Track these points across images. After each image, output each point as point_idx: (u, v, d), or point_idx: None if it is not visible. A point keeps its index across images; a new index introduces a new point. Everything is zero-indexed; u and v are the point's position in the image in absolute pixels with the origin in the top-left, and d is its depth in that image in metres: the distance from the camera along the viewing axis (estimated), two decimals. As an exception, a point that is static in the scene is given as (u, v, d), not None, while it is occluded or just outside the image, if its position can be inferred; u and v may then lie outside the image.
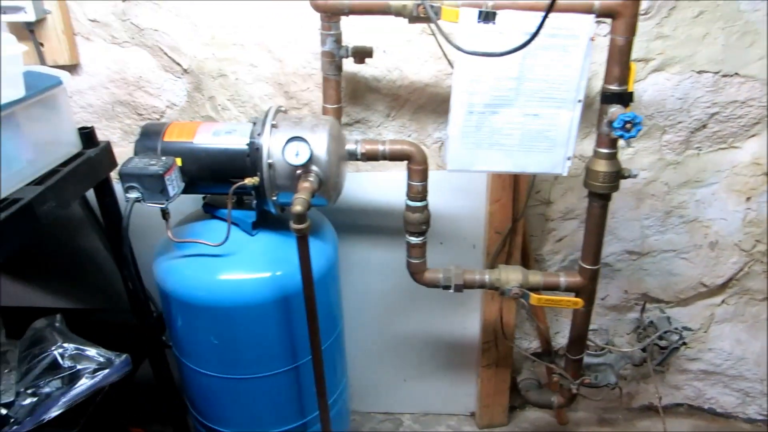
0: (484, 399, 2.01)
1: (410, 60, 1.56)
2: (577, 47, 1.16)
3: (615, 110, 1.23)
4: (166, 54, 1.62)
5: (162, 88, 1.67)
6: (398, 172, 1.67)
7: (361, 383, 1.99)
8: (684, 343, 1.86)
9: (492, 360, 1.91)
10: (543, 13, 1.03)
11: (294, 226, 1.15)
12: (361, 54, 1.44)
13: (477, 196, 1.70)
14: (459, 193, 1.66)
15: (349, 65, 1.51)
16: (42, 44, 1.58)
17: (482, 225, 1.74)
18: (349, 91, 1.60)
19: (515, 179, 1.62)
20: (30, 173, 1.26)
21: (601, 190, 1.35)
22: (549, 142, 1.28)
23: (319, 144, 1.23)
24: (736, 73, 1.56)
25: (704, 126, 1.63)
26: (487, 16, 1.13)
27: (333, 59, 1.40)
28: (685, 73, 1.55)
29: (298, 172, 1.24)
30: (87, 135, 1.40)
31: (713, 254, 1.79)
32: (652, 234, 1.77)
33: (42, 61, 1.59)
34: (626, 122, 1.17)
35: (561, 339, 1.97)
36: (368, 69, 1.57)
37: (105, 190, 1.48)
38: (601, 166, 1.32)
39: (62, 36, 1.58)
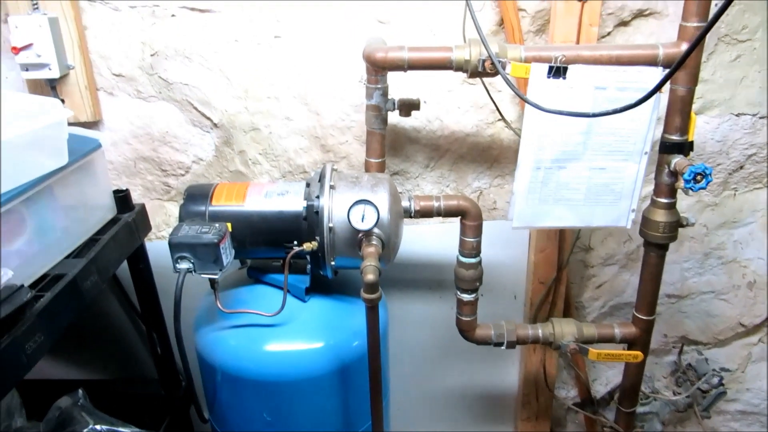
0: (522, 452, 1.94)
1: (451, 110, 1.53)
2: (646, 101, 1.14)
3: (680, 161, 1.22)
4: (195, 108, 1.55)
5: (189, 143, 1.60)
6: (435, 226, 1.63)
7: (395, 440, 1.91)
8: (722, 385, 1.83)
9: (532, 412, 1.85)
10: (614, 67, 1.02)
11: (366, 296, 1.09)
12: (408, 107, 1.40)
13: (519, 246, 1.66)
14: (500, 244, 1.62)
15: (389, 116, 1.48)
16: (63, 100, 1.50)
17: (524, 275, 1.70)
18: (388, 143, 1.55)
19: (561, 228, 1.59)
20: (67, 244, 1.18)
21: (661, 240, 1.33)
22: (614, 195, 1.26)
23: (381, 205, 1.17)
24: (773, 114, 1.58)
25: (741, 167, 1.63)
26: (557, 71, 1.11)
27: (379, 113, 1.36)
28: (724, 115, 1.56)
29: (360, 235, 1.18)
30: (122, 198, 1.32)
31: (751, 294, 1.78)
32: (691, 276, 1.76)
33: (63, 120, 1.51)
34: (697, 174, 1.15)
35: (599, 386, 1.92)
36: (408, 119, 1.53)
37: (139, 256, 1.40)
38: (661, 216, 1.30)
39: (85, 92, 1.51)
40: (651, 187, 1.32)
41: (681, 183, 1.21)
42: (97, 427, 1.34)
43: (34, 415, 1.37)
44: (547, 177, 1.23)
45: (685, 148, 1.25)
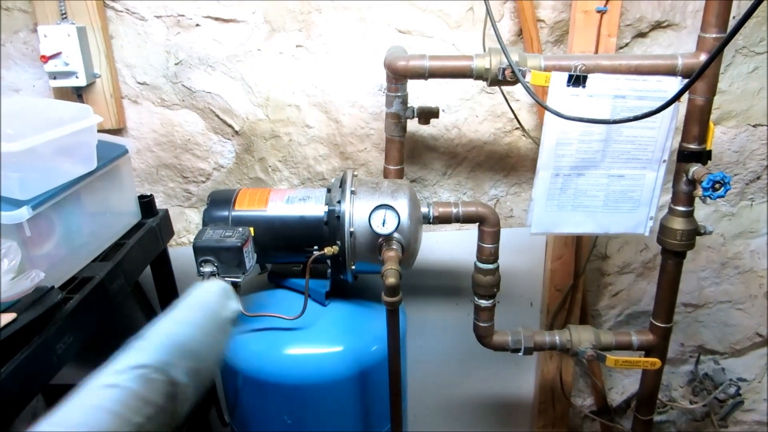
0: (538, 460, 1.94)
1: (469, 118, 1.55)
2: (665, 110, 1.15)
3: (698, 169, 1.23)
4: (217, 116, 1.58)
5: (210, 150, 1.63)
6: (452, 233, 1.64)
7: (410, 447, 1.91)
8: (739, 395, 1.83)
9: (549, 420, 1.85)
10: (634, 76, 1.03)
11: (387, 299, 1.10)
12: (427, 115, 1.42)
13: (536, 254, 1.67)
14: (516, 251, 1.63)
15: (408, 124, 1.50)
16: (89, 108, 1.53)
17: (540, 282, 1.71)
18: (406, 150, 1.57)
19: (578, 236, 1.60)
20: (94, 248, 1.20)
21: (678, 248, 1.33)
22: (632, 202, 1.27)
23: (401, 210, 1.19)
24: (789, 126, 1.58)
25: (758, 177, 1.63)
26: (577, 80, 1.12)
27: (399, 120, 1.38)
28: (741, 126, 1.57)
29: (380, 240, 1.20)
30: (147, 204, 1.35)
31: (768, 304, 1.78)
32: (707, 285, 1.76)
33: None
34: (715, 182, 1.16)
35: (615, 395, 1.92)
36: (426, 128, 1.55)
37: (162, 261, 1.42)
38: (679, 224, 1.31)
39: (110, 99, 1.54)
40: (668, 197, 1.33)
41: (699, 191, 1.22)
42: (120, 428, 1.36)
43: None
44: (565, 184, 1.24)
45: (703, 157, 1.26)
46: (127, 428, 0.62)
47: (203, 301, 0.92)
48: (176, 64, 1.53)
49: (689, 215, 1.31)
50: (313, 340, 1.26)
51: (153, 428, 0.66)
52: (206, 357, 0.81)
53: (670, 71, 1.18)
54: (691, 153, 1.25)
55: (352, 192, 1.23)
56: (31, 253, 1.01)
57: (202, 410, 1.56)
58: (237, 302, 0.98)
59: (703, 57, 1.17)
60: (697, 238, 1.34)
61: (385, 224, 1.16)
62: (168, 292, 1.46)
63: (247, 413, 1.35)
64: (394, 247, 1.18)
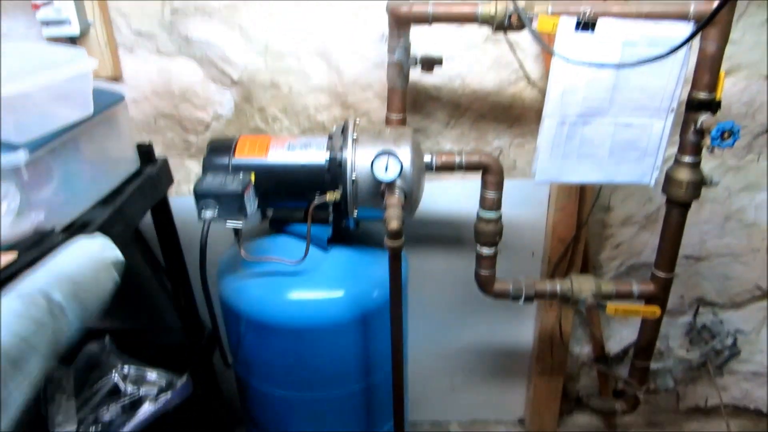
0: (535, 406, 1.98)
1: (473, 68, 1.52)
2: (675, 56, 1.12)
3: (707, 119, 1.20)
4: (215, 65, 1.55)
5: (209, 99, 1.60)
6: (454, 181, 1.63)
7: (410, 392, 1.95)
8: (736, 346, 1.85)
9: (546, 368, 1.88)
10: (644, 21, 1.00)
11: (389, 243, 1.10)
12: (430, 63, 1.39)
13: (538, 205, 1.66)
14: (519, 202, 1.62)
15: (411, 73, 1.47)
16: (84, 54, 1.50)
17: (542, 233, 1.70)
18: (409, 100, 1.55)
19: (581, 187, 1.58)
20: (93, 194, 1.19)
21: (684, 198, 1.32)
22: (639, 152, 1.25)
23: (404, 157, 1.18)
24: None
25: (766, 131, 1.61)
26: (585, 25, 1.09)
27: (401, 69, 1.35)
28: (752, 78, 1.53)
29: (382, 187, 1.19)
30: (145, 152, 1.34)
31: (770, 257, 1.78)
32: (710, 239, 1.75)
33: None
34: (724, 131, 1.15)
35: (613, 344, 1.94)
36: (429, 77, 1.52)
37: (162, 209, 1.41)
38: (685, 175, 1.29)
39: (105, 49, 1.51)
40: (673, 150, 1.31)
41: (707, 141, 1.21)
42: (126, 367, 1.39)
43: (63, 361, 1.42)
44: (571, 132, 1.23)
45: (712, 106, 1.23)
46: (10, 340, 0.69)
47: (81, 245, 0.93)
48: (172, 12, 1.49)
49: (696, 166, 1.29)
50: (315, 285, 1.27)
51: (39, 345, 0.73)
52: (86, 286, 0.86)
53: (682, 17, 1.14)
54: (701, 102, 1.22)
55: (354, 139, 1.22)
56: (30, 198, 1.00)
57: (203, 354, 1.59)
58: (117, 251, 0.97)
59: (716, 3, 1.14)
60: (702, 191, 1.33)
61: (387, 170, 1.16)
62: (169, 240, 1.46)
63: (250, 356, 1.37)
64: (397, 193, 1.18)
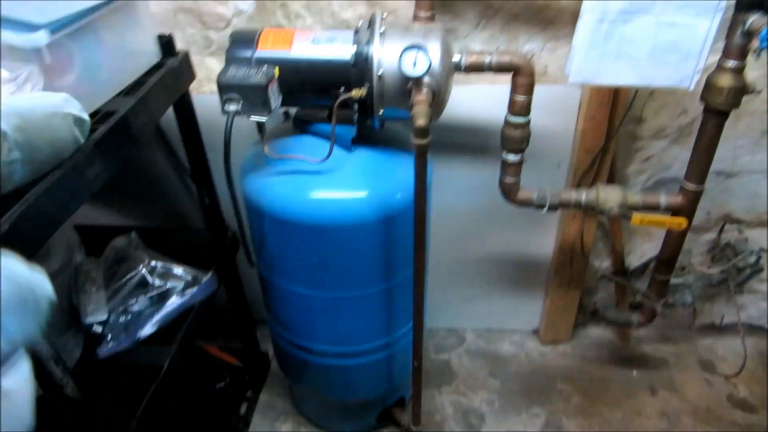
0: (551, 316, 2.01)
1: (508, -39, 1.43)
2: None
3: (757, 19, 1.13)
4: (237, -47, 1.48)
5: (231, -7, 1.54)
6: (482, 86, 1.58)
7: (428, 300, 1.98)
8: (758, 264, 1.84)
9: (564, 280, 1.90)
10: None
11: (416, 141, 1.08)
12: (464, -47, 1.31)
13: (568, 113, 1.61)
14: (548, 110, 1.57)
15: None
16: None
17: (569, 143, 1.66)
18: (438, -3, 1.48)
19: (614, 94, 1.53)
20: (115, 84, 1.18)
21: (723, 106, 1.27)
22: (681, 54, 1.19)
23: (433, 52, 1.13)
24: None
25: (817, 37, 1.51)
26: None
27: (432, -40, 1.28)
28: (810, -23, 1.42)
29: (410, 84, 1.16)
30: (166, 43, 1.30)
31: (804, 175, 1.73)
32: (743, 154, 1.70)
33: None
34: (775, 32, 1.08)
35: (633, 259, 1.94)
36: (461, -29, 1.44)
37: (184, 104, 1.40)
38: (726, 81, 1.24)
39: (124, -68, 1.44)
40: (714, 58, 1.24)
41: (754, 44, 1.14)
42: (153, 262, 1.42)
43: (92, 253, 1.45)
44: (610, 30, 1.16)
45: (764, 5, 1.15)
46: None
47: (41, 94, 0.90)
48: None
49: (739, 71, 1.23)
50: (338, 185, 1.27)
51: None
52: (37, 125, 0.81)
53: None
54: (752, 1, 1.15)
55: (382, 33, 1.17)
56: (53, 84, 0.99)
57: (227, 252, 1.62)
58: (84, 112, 0.92)
59: None
60: (742, 103, 1.27)
61: (416, 65, 1.11)
62: (192, 137, 1.45)
63: (273, 254, 1.39)
64: (425, 90, 1.14)
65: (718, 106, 1.26)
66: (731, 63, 1.21)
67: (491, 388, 1.97)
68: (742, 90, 1.24)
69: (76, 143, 0.90)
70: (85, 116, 0.91)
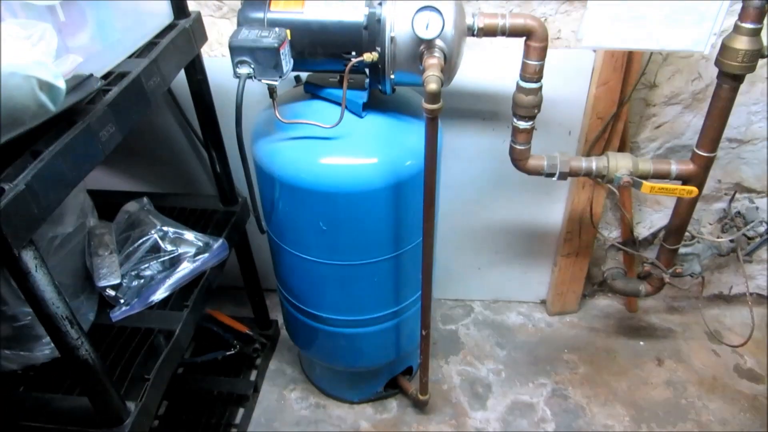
0: (558, 287, 2.02)
1: None
2: None
3: (777, -22, 1.11)
4: None
5: (241, -47, 1.52)
6: (493, 53, 1.56)
7: (436, 270, 1.99)
8: (768, 234, 1.83)
9: (573, 249, 1.90)
10: None
11: (427, 106, 1.08)
12: None
13: (579, 79, 1.59)
14: (559, 76, 1.55)
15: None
16: None
17: (581, 111, 1.65)
18: (451, -41, 1.45)
19: (628, 59, 1.51)
20: (128, 44, 1.17)
21: (738, 70, 1.25)
22: (697, 15, 1.17)
23: (446, 14, 1.12)
24: None
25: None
26: None
27: None
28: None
29: (422, 48, 1.15)
30: (178, 4, 1.29)
31: (817, 143, 1.71)
32: (757, 121, 1.69)
33: None
34: (796, -9, 1.06)
35: (642, 229, 1.94)
36: (474, -68, 1.42)
37: (196, 67, 1.39)
38: (742, 43, 1.22)
39: None
40: (730, 22, 1.23)
41: (774, 3, 1.12)
42: (165, 228, 1.43)
43: (104, 217, 1.46)
44: (626, -9, 1.15)
45: (783, -35, 1.13)
46: None
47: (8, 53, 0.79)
48: None
49: (756, 34, 1.21)
50: (349, 151, 1.27)
51: None
52: None
53: None
54: (771, -40, 1.13)
55: (394, -6, 1.15)
56: (67, 43, 0.99)
57: (238, 219, 1.63)
58: (58, 78, 0.82)
59: None
60: (757, 67, 1.26)
61: (428, 27, 1.10)
62: (204, 101, 1.45)
63: (284, 220, 1.40)
64: (437, 54, 1.14)
65: (733, 69, 1.25)
66: (748, 25, 1.20)
67: (498, 358, 1.99)
68: (758, 53, 1.23)
69: (43, 109, 0.82)
70: (58, 83, 0.82)
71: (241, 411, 1.79)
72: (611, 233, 1.96)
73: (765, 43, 1.22)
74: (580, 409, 1.82)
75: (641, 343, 2.03)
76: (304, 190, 1.28)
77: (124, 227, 1.47)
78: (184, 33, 1.25)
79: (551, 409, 1.82)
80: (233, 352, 1.89)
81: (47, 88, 0.81)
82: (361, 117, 1.30)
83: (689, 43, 1.21)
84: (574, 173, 1.45)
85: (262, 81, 1.15)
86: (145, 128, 1.78)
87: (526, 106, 1.33)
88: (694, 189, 1.40)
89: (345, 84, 1.19)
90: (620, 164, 1.42)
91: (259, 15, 1.20)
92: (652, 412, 1.80)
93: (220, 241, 1.47)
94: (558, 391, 1.88)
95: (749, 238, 1.80)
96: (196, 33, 1.32)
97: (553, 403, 1.84)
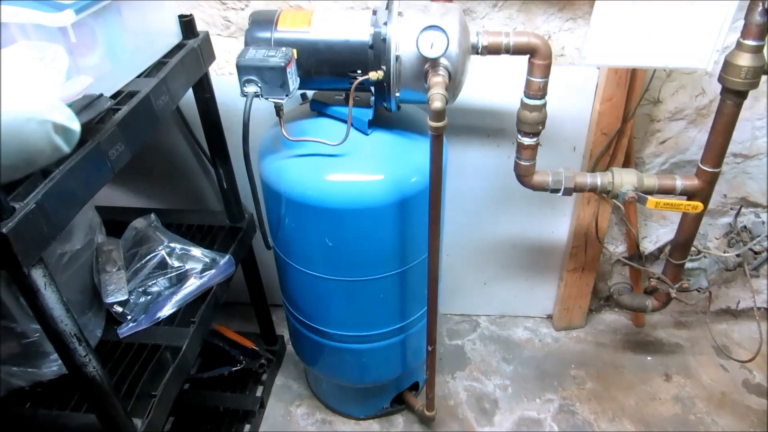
0: (565, 302, 2.02)
1: (525, -59, 1.42)
2: None
3: (778, -5, 1.12)
4: (255, -65, 1.48)
5: (248, -26, 1.55)
6: (499, 71, 1.58)
7: (442, 285, 1.99)
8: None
9: (579, 264, 1.90)
10: None
11: (432, 123, 1.09)
12: (481, -67, 1.30)
13: (584, 96, 1.60)
14: (565, 92, 1.57)
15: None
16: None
17: (585, 127, 1.66)
18: (455, -22, 1.47)
19: (632, 75, 1.52)
20: (138, 64, 1.19)
21: (741, 86, 1.26)
22: (699, 33, 1.18)
23: (451, 33, 1.13)
24: None
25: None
26: None
27: (450, -60, 1.27)
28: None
29: (426, 66, 1.16)
30: (186, 24, 1.31)
31: (822, 158, 1.71)
32: (761, 136, 1.69)
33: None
34: (797, 9, 1.07)
35: (648, 244, 1.94)
36: (478, -48, 1.44)
37: (203, 85, 1.41)
38: (745, 60, 1.23)
39: None
40: (732, 38, 1.24)
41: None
42: (172, 244, 1.44)
43: (112, 234, 1.47)
44: (629, 9, 1.16)
45: (784, -18, 1.14)
46: None
47: (27, 97, 0.81)
48: None
49: (758, 51, 1.22)
50: (355, 168, 1.28)
51: None
52: (6, 129, 0.75)
53: None
54: (772, -22, 1.14)
55: (399, 13, 1.17)
56: (78, 63, 1.01)
57: (244, 235, 1.64)
58: (73, 120, 0.84)
59: None
60: (761, 83, 1.26)
61: (433, 47, 1.12)
62: (211, 119, 1.46)
63: (290, 236, 1.41)
64: (441, 72, 1.15)
65: (736, 86, 1.25)
66: (750, 42, 1.21)
67: (505, 374, 1.98)
68: (761, 69, 1.24)
69: (57, 152, 0.83)
70: (73, 126, 0.84)
71: (247, 427, 1.78)
72: (617, 248, 1.96)
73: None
74: (588, 425, 1.81)
75: (648, 358, 2.02)
76: (311, 207, 1.29)
77: (131, 243, 1.48)
78: (192, 52, 1.27)
79: (559, 425, 1.81)
80: (239, 367, 1.88)
81: (62, 131, 0.82)
82: (367, 134, 1.31)
83: (692, 61, 1.22)
84: (578, 189, 1.46)
85: (269, 99, 1.17)
86: (153, 145, 1.80)
87: (530, 123, 1.34)
88: (699, 204, 1.40)
89: (351, 102, 1.20)
90: (625, 180, 1.43)
91: (266, 35, 1.21)
92: (661, 428, 1.79)
93: (227, 257, 1.48)
94: (565, 407, 1.87)
95: (756, 253, 1.80)
96: (204, 52, 1.33)
97: (560, 419, 1.83)
